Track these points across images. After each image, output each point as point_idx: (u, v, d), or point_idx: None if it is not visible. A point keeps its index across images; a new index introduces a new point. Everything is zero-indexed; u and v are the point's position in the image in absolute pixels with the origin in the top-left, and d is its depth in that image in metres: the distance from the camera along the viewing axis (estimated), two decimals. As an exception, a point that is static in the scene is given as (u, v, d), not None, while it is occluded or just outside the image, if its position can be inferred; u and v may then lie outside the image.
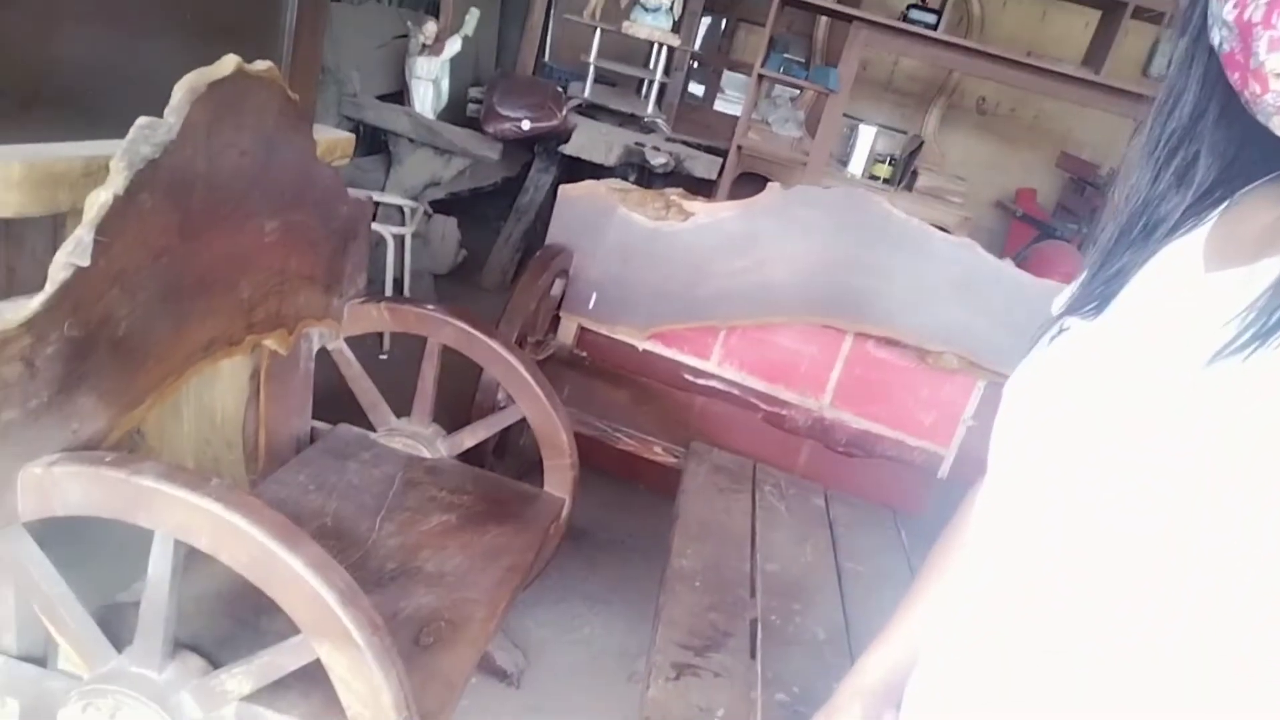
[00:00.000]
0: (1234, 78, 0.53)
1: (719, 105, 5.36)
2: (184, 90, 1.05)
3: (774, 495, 1.81)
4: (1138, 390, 0.54)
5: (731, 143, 3.99)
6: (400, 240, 3.21)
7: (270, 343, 1.41)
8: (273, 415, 1.60)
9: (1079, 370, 0.60)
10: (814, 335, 2.49)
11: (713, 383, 2.57)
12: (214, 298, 1.22)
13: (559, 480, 1.71)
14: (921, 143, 4.75)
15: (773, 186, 2.38)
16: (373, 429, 1.74)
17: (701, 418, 2.46)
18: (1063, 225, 4.77)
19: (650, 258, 2.41)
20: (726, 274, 2.41)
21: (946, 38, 3.73)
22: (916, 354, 2.41)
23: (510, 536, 1.54)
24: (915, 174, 4.61)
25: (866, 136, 4.56)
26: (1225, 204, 0.61)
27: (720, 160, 3.92)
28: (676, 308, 2.46)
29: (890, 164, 4.61)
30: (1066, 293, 0.67)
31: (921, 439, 2.53)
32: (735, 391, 2.57)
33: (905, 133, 5.04)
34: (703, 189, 3.87)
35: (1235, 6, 0.51)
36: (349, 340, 1.68)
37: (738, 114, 4.81)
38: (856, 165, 4.57)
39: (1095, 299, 0.62)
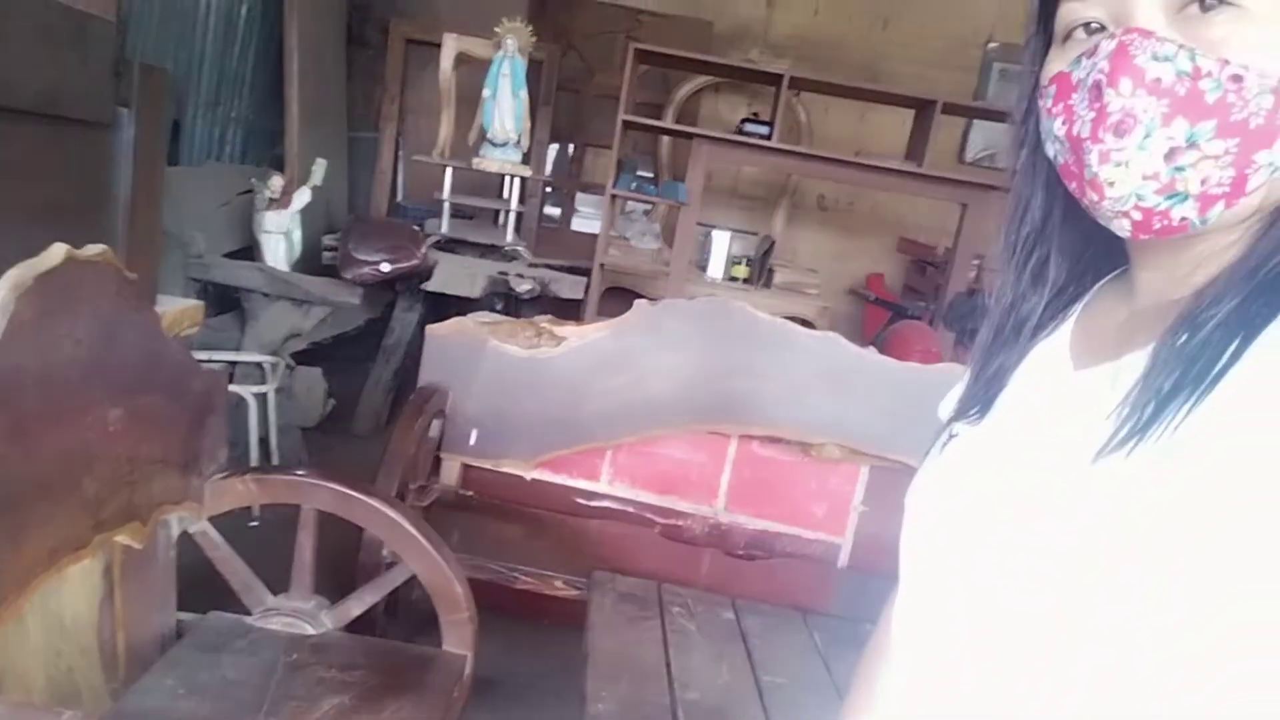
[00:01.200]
0: (1072, 187, 0.57)
1: (576, 225, 5.49)
2: (8, 287, 0.98)
3: (683, 616, 1.77)
4: (1026, 482, 0.57)
5: (593, 261, 4.06)
6: (262, 398, 3.07)
7: (123, 538, 1.29)
8: (131, 614, 1.46)
9: (971, 472, 0.63)
10: (700, 443, 2.50)
11: (606, 503, 2.53)
12: (55, 501, 1.11)
13: (457, 636, 1.61)
14: (773, 242, 4.97)
15: (639, 304, 2.41)
16: (248, 612, 1.61)
17: (599, 541, 2.40)
18: (912, 304, 5.04)
19: (527, 387, 2.39)
20: (605, 393, 2.41)
21: (780, 146, 3.96)
22: (800, 448, 2.45)
23: (412, 709, 1.43)
24: (771, 272, 4.81)
25: (721, 241, 4.74)
26: (1082, 300, 0.65)
27: (584, 280, 3.98)
28: (560, 433, 2.43)
29: (747, 264, 4.79)
30: (951, 398, 0.70)
31: (817, 531, 2.55)
32: (630, 509, 2.53)
33: (756, 234, 5.27)
34: (570, 309, 3.90)
35: (1064, 123, 0.56)
36: (214, 517, 1.57)
37: (595, 232, 4.94)
38: (716, 269, 4.73)
39: (978, 403, 0.66)
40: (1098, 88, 0.52)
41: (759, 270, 4.81)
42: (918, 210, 5.25)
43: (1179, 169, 0.51)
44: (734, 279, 4.76)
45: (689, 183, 4.03)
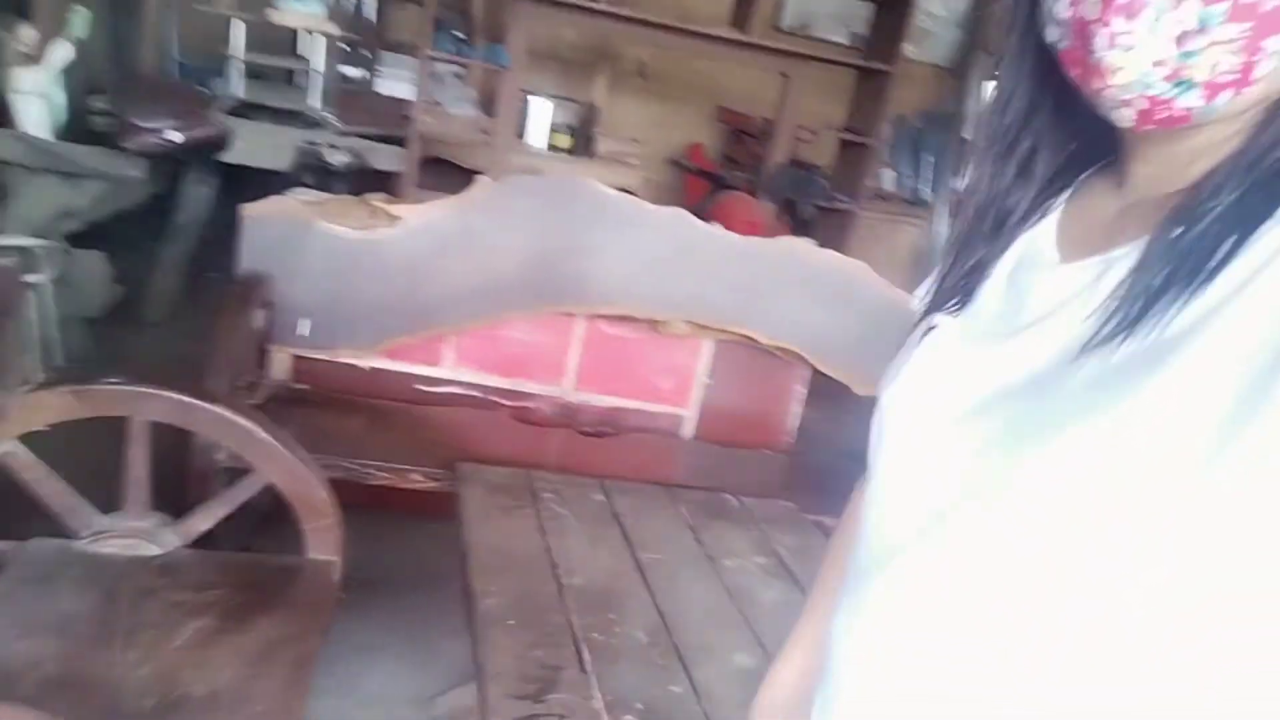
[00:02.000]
0: (1074, 73, 0.54)
1: (379, 88, 5.06)
2: None
3: (555, 502, 1.75)
4: (1009, 379, 0.55)
5: (407, 129, 3.78)
6: (38, 290, 2.68)
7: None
8: (-65, 553, 1.26)
9: (951, 366, 0.61)
10: (547, 324, 2.44)
11: (451, 389, 2.45)
12: None
13: (322, 542, 1.52)
14: (595, 110, 4.83)
15: (482, 180, 2.27)
16: (73, 537, 1.44)
17: (447, 429, 2.33)
18: (731, 175, 5.10)
19: (363, 271, 2.22)
20: (448, 276, 2.28)
21: (602, 7, 3.79)
22: (648, 325, 2.45)
23: (284, 624, 1.35)
24: (593, 141, 4.69)
25: (542, 109, 4.54)
26: (1068, 191, 0.63)
27: (399, 150, 3.70)
28: (401, 319, 2.29)
29: (570, 134, 4.64)
30: (924, 289, 0.68)
31: (663, 404, 2.59)
32: (476, 394, 2.46)
33: (577, 101, 5.09)
34: (384, 183, 3.63)
35: (1070, 5, 0.52)
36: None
37: (401, 96, 4.59)
38: (537, 138, 4.55)
39: (958, 294, 0.64)
40: None
41: (582, 140, 4.67)
42: (736, 79, 5.24)
43: (1188, 54, 0.48)
44: (555, 148, 4.60)
45: (510, 45, 3.80)
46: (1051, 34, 0.55)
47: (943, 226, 5.02)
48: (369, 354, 2.29)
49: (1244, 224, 0.47)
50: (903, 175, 5.37)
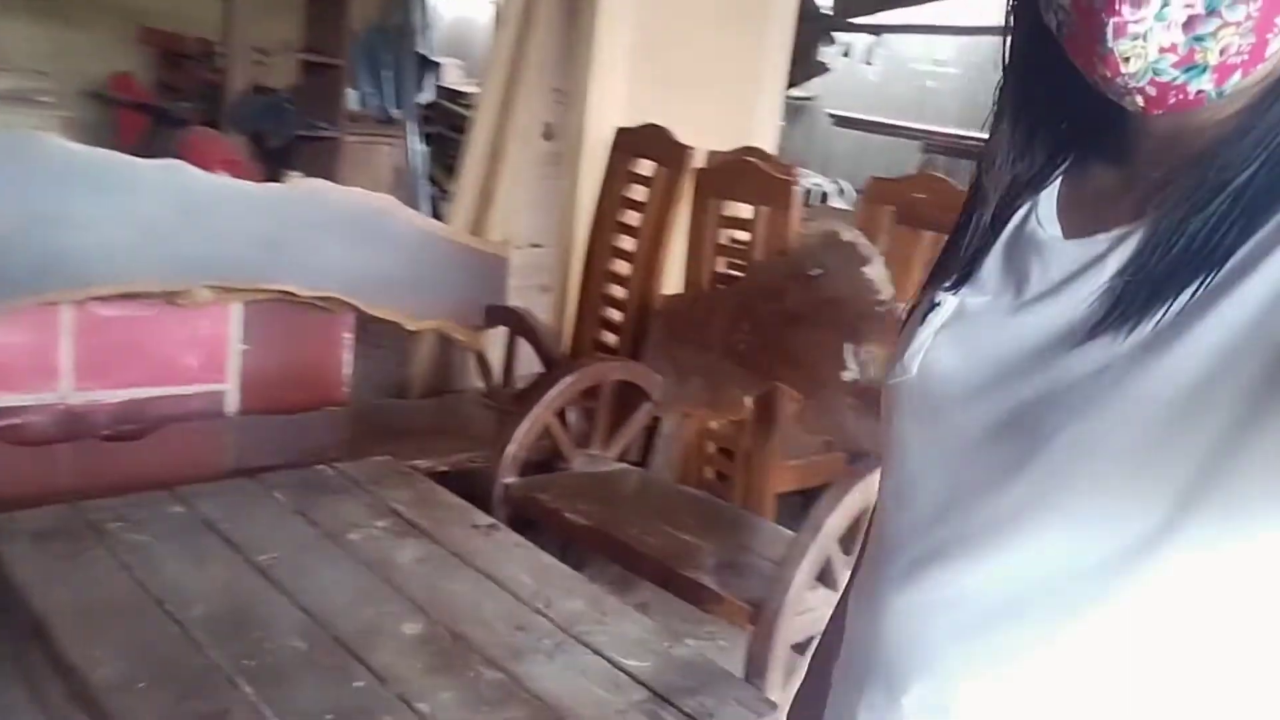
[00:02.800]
0: (1079, 61, 0.52)
1: None
2: None
3: (127, 530, 1.47)
4: (1017, 362, 0.55)
5: None
6: None
7: None
8: None
9: (956, 344, 0.59)
10: (23, 320, 1.97)
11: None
12: None
13: None
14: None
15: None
16: None
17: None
18: (173, 105, 4.49)
19: None
20: None
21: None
22: (163, 299, 2.11)
23: None
24: (-18, 77, 3.74)
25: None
26: (1065, 164, 0.62)
27: None
28: None
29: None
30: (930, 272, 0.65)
31: (195, 384, 2.29)
32: (-62, 425, 1.92)
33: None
34: None
35: None
36: None
37: None
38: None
39: (959, 270, 0.62)
40: None
41: (-37, 76, 3.69)
42: (155, -5, 4.54)
43: (1198, 39, 0.47)
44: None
45: None
46: (1051, 20, 0.53)
47: (417, 143, 5.03)
48: None
49: (1252, 205, 0.47)
50: (366, 94, 5.22)
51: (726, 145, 2.75)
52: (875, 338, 1.83)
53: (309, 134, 4.20)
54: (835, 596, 1.64)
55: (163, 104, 4.46)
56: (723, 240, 2.27)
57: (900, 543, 0.60)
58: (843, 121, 8.04)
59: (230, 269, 2.16)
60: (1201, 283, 0.47)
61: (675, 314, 2.27)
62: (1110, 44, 0.48)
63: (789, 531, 2.00)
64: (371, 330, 2.63)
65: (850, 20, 6.94)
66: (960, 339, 0.59)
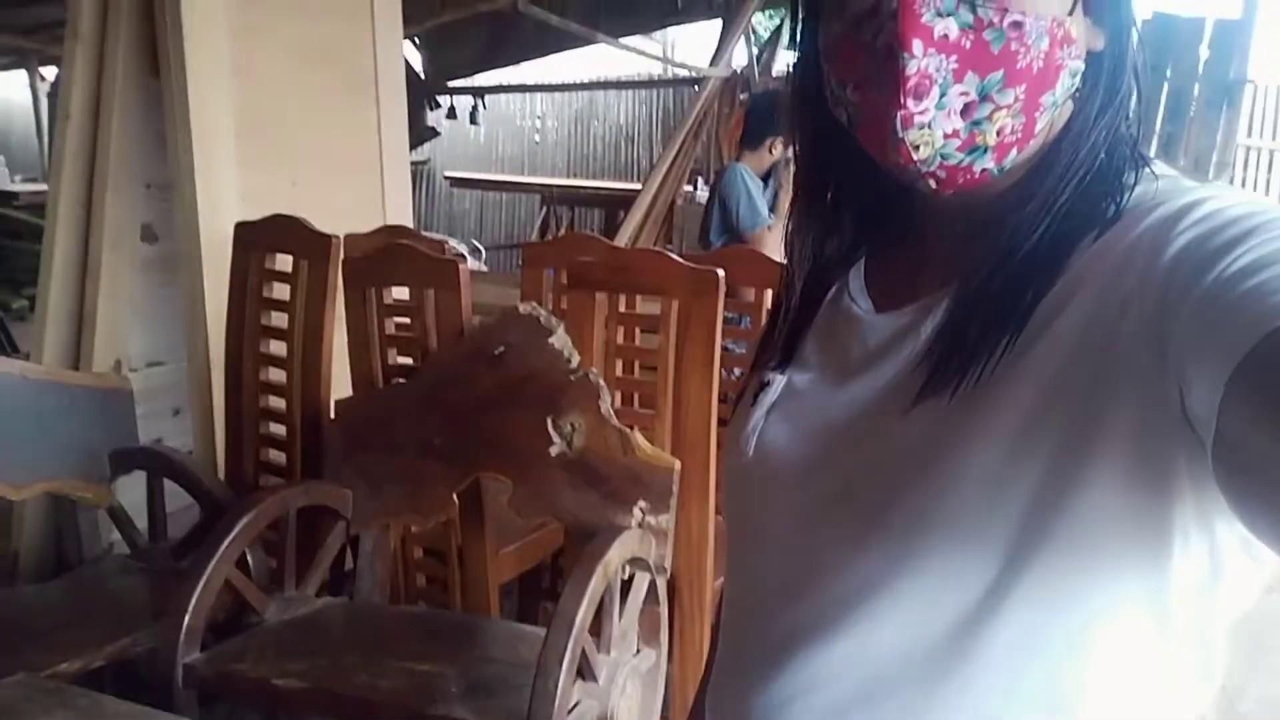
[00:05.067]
0: (873, 150, 0.54)
1: None
2: None
3: None
4: (846, 433, 0.57)
5: None
6: None
7: None
8: None
9: (786, 423, 0.61)
10: None
11: None
12: None
13: None
14: None
15: None
16: None
17: None
18: None
19: None
20: None
21: None
22: None
23: None
24: None
25: None
26: (869, 243, 0.65)
27: None
28: None
29: None
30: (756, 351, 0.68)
31: None
32: None
33: None
34: None
35: (856, 88, 0.52)
36: None
37: None
38: None
39: (783, 351, 0.64)
40: (888, 51, 0.49)
41: None
42: None
43: (976, 123, 0.50)
44: None
45: None
46: (842, 114, 0.55)
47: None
48: None
49: (1044, 263, 0.51)
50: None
51: (363, 226, 2.58)
52: (574, 406, 1.79)
53: None
54: (595, 687, 1.58)
55: None
56: (390, 330, 2.10)
57: (754, 629, 0.60)
58: (460, 182, 8.09)
59: None
60: (1010, 339, 0.50)
61: (353, 419, 2.05)
62: (901, 134, 0.51)
63: (526, 627, 1.89)
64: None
65: (449, 83, 7.00)
66: (791, 417, 0.61)
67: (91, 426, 2.09)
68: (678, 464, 1.70)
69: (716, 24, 5.82)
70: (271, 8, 2.63)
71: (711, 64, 5.54)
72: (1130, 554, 0.47)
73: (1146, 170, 0.54)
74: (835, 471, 0.57)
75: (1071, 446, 0.47)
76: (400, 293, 2.12)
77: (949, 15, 0.49)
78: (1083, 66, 0.53)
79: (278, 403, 2.25)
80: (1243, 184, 4.81)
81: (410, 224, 3.03)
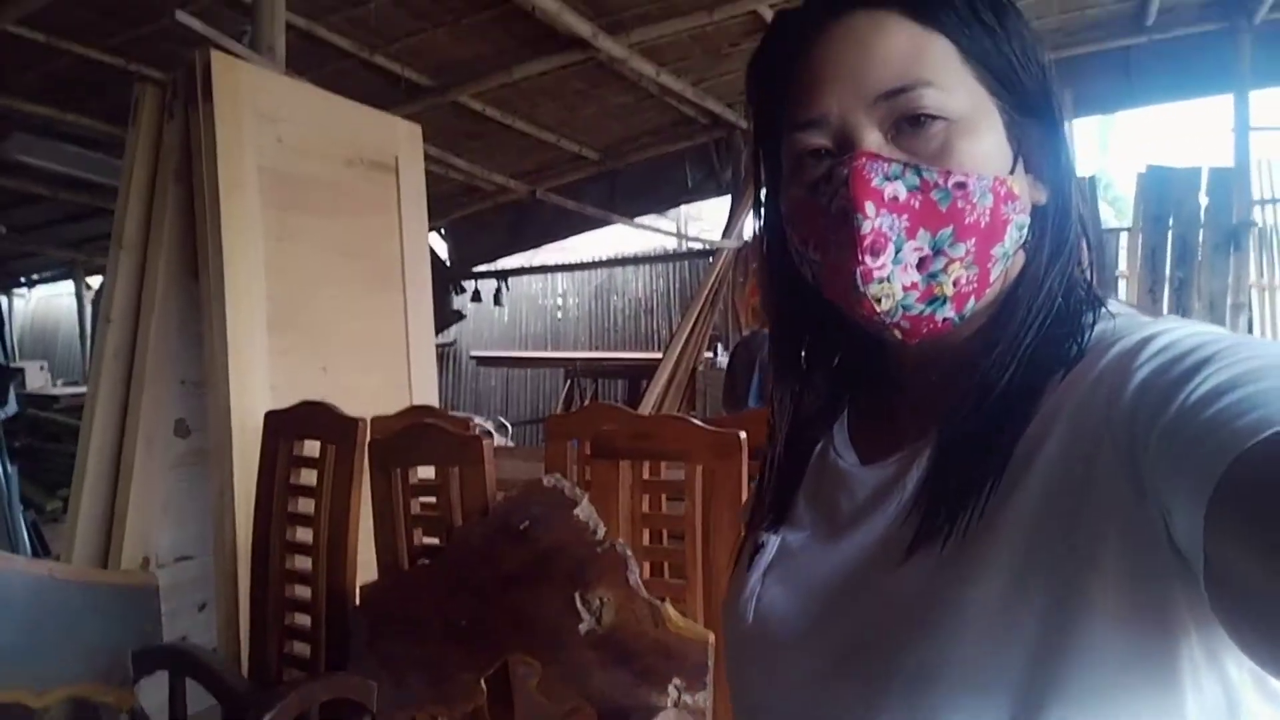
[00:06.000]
0: (839, 304, 0.57)
1: None
2: None
3: None
4: (844, 587, 0.57)
5: None
6: None
7: None
8: None
9: (784, 582, 0.60)
10: None
11: None
12: None
13: None
14: None
15: None
16: None
17: None
18: None
19: None
20: None
21: None
22: None
23: None
24: None
25: None
26: (847, 396, 0.67)
27: None
28: None
29: None
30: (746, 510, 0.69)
31: None
32: None
33: None
34: None
35: (817, 248, 0.56)
36: None
37: None
38: None
39: (775, 510, 0.64)
40: (844, 213, 0.52)
41: None
42: None
43: (932, 275, 0.53)
44: None
45: None
46: (807, 271, 0.58)
47: (5, 466, 4.26)
48: None
49: (1017, 402, 0.52)
50: (-77, 418, 4.35)
51: (390, 408, 2.62)
52: (602, 580, 1.75)
53: None
54: None
55: None
56: (415, 509, 2.09)
57: None
58: (485, 361, 8.29)
59: None
60: (993, 483, 0.50)
61: (377, 605, 2.01)
62: (862, 289, 0.53)
63: (560, 824, 1.76)
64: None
65: (474, 269, 7.31)
66: (787, 578, 0.61)
67: (116, 626, 2.06)
68: (711, 636, 1.64)
69: (726, 198, 6.11)
70: (306, 211, 2.80)
71: (724, 236, 5.77)
72: (1143, 700, 0.46)
73: (1103, 309, 0.56)
74: (835, 632, 0.56)
75: (1065, 587, 0.47)
76: (426, 472, 2.13)
77: (896, 179, 0.52)
78: (1028, 219, 0.56)
79: (303, 592, 2.22)
80: (1260, 324, 4.80)
81: (436, 404, 3.08)
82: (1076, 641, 0.46)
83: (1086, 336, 0.54)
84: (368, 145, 3.04)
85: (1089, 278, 0.57)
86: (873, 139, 0.54)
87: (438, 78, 4.88)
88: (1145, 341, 0.49)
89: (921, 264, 0.53)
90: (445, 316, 6.67)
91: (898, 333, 0.56)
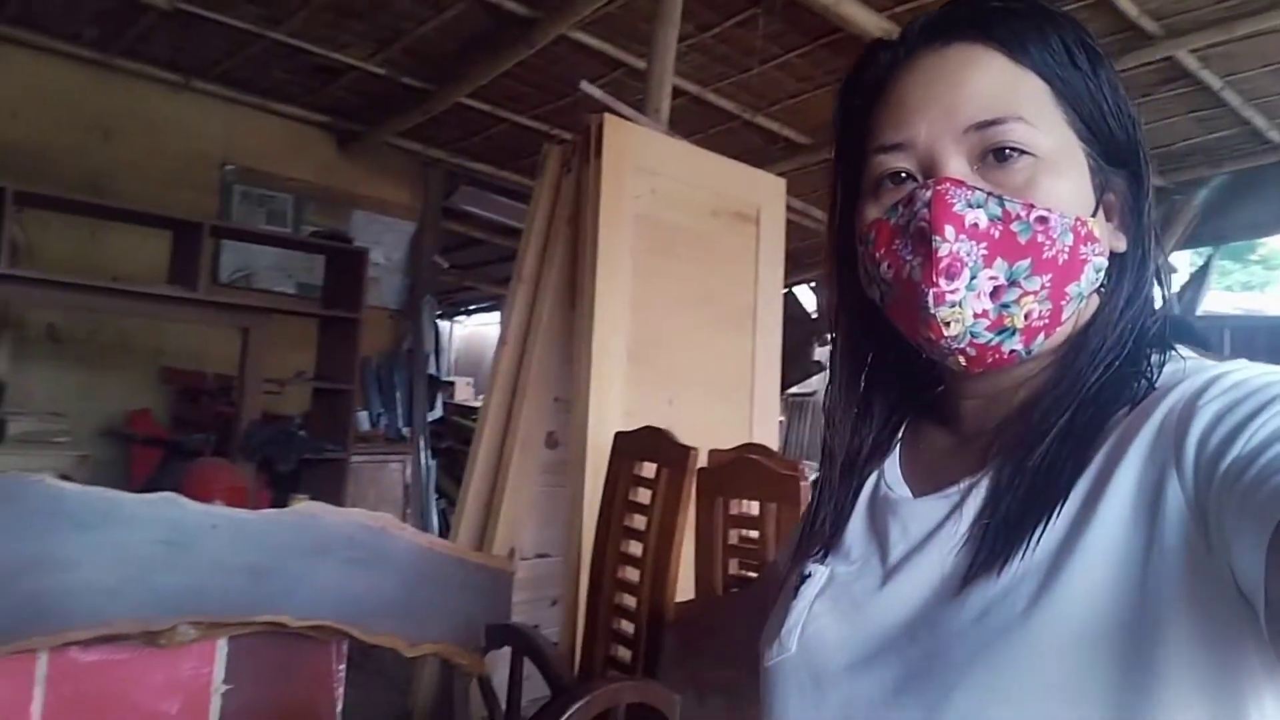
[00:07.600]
0: (904, 327, 0.58)
1: None
2: None
3: None
4: (895, 619, 0.57)
5: None
6: None
7: None
8: None
9: (833, 613, 0.61)
10: (-8, 672, 1.83)
11: None
12: None
13: None
14: (3, 386, 4.00)
15: None
16: None
17: None
18: (187, 439, 4.59)
19: None
20: None
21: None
22: (142, 639, 1.99)
23: None
24: (2, 423, 3.85)
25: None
26: (902, 429, 0.67)
27: None
28: None
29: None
30: (790, 543, 0.70)
31: (170, 734, 2.09)
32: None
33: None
34: None
35: (890, 267, 0.56)
36: None
37: None
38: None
39: (824, 540, 0.65)
40: (921, 234, 0.54)
41: (-17, 423, 3.81)
42: (173, 337, 4.82)
43: (1005, 305, 0.54)
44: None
45: None
46: (875, 293, 0.59)
47: (426, 459, 5.10)
48: None
49: (1077, 443, 0.52)
50: (374, 414, 5.38)
51: (726, 443, 2.74)
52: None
53: (317, 456, 4.25)
54: None
55: (176, 438, 4.56)
56: (733, 540, 2.18)
57: None
58: (842, 413, 8.26)
59: (217, 602, 2.05)
60: (1050, 515, 0.50)
61: (688, 623, 2.12)
62: (932, 310, 0.53)
63: None
64: (371, 655, 2.46)
65: (837, 320, 7.34)
66: (837, 608, 0.61)
67: (476, 600, 2.40)
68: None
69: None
70: (671, 255, 3.06)
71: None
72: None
73: (1172, 351, 0.55)
74: (892, 663, 0.55)
75: (1136, 623, 0.45)
76: (751, 507, 2.21)
77: (979, 207, 0.53)
78: (1106, 263, 0.56)
79: (630, 600, 2.40)
80: None
81: (774, 447, 3.16)
82: (1149, 680, 0.45)
83: (1155, 375, 0.53)
84: (733, 197, 3.24)
85: (1162, 328, 0.57)
86: (958, 167, 0.55)
87: (815, 135, 5.04)
88: (1212, 380, 0.49)
89: (995, 293, 0.54)
90: (806, 367, 6.76)
91: (962, 359, 0.56)
